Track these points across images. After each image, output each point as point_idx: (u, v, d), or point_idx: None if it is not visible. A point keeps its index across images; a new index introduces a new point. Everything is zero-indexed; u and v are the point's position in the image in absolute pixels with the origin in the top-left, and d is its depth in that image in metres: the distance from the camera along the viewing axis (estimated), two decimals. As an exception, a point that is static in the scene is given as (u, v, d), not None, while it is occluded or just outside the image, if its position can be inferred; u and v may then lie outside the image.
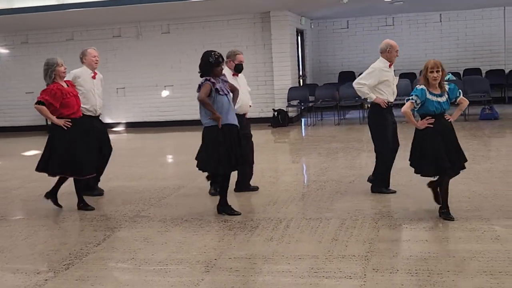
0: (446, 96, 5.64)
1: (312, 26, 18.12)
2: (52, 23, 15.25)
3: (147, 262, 4.89)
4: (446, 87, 5.65)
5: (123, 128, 16.21)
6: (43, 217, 6.66)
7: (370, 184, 7.01)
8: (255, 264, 4.68)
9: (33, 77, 15.87)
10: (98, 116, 7.56)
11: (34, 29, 16.30)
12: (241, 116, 6.79)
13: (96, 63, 7.50)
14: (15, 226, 6.40)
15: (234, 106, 6.34)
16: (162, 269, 4.70)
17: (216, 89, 6.00)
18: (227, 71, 6.86)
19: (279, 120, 14.66)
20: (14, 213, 7.07)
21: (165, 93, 16.09)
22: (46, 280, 4.58)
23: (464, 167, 5.85)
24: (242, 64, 7.12)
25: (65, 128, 6.51)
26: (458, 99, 5.80)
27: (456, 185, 7.03)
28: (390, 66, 6.89)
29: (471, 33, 17.38)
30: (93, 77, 7.49)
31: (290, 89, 15.03)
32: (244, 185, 7.27)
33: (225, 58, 6.61)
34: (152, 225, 6.04)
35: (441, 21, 17.52)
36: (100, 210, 6.87)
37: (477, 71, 16.79)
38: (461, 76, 16.46)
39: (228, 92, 6.19)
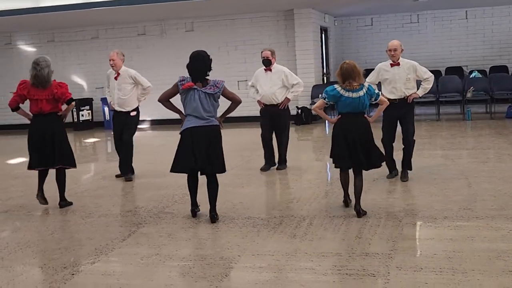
0: None
1: (336, 24, 18.05)
2: (78, 21, 15.43)
3: (172, 258, 4.94)
4: None
5: (148, 126, 16.33)
6: (70, 212, 6.76)
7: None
8: (279, 261, 4.69)
9: (59, 75, 16.04)
10: (120, 111, 8.43)
11: (60, 27, 16.50)
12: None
13: (111, 65, 8.35)
14: (41, 221, 6.51)
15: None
16: (186, 265, 4.74)
17: None
18: (261, 68, 8.46)
19: (303, 118, 14.64)
20: (41, 208, 7.17)
21: (189, 90, 16.16)
22: (73, 274, 4.65)
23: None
24: (266, 59, 8.28)
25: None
26: None
27: (481, 184, 7.00)
28: (392, 65, 7.20)
29: (498, 30, 17.15)
30: (115, 78, 8.38)
31: (314, 86, 14.99)
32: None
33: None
34: (176, 221, 6.09)
35: (467, 18, 17.32)
36: (125, 206, 6.95)
37: (503, 68, 16.57)
38: (487, 73, 16.26)
39: None
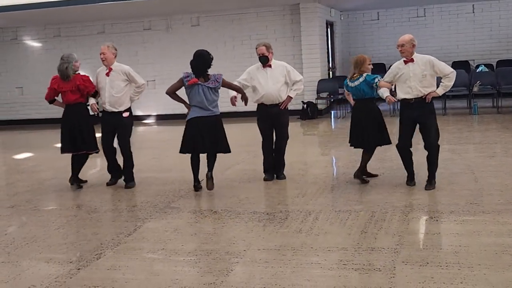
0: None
1: (342, 18, 17.99)
2: (84, 16, 15.44)
3: (177, 252, 4.95)
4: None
5: (153, 120, 16.35)
6: (75, 207, 6.78)
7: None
8: (284, 256, 4.69)
9: (65, 70, 16.08)
10: (111, 111, 7.58)
11: (66, 22, 16.52)
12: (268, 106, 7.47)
13: (102, 59, 7.57)
14: (48, 216, 6.52)
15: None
16: (192, 260, 4.75)
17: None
18: (256, 64, 7.59)
19: (309, 113, 14.61)
20: (47, 203, 7.21)
21: (194, 85, 16.16)
22: (79, 269, 4.67)
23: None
24: (265, 56, 7.37)
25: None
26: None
27: (488, 178, 6.98)
28: (406, 62, 6.59)
29: (505, 24, 17.05)
30: (107, 74, 7.59)
31: (320, 81, 14.97)
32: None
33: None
34: (182, 216, 6.10)
35: (473, 12, 17.23)
36: (131, 201, 6.96)
37: (510, 62, 16.46)
38: (494, 67, 16.18)
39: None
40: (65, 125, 7.62)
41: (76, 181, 7.73)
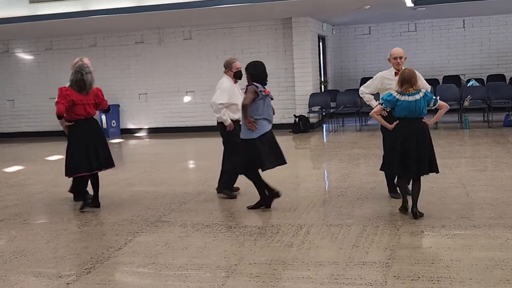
0: None
1: (334, 32, 18.09)
2: (76, 29, 15.44)
3: (168, 266, 4.91)
4: None
5: (145, 134, 16.32)
6: (65, 221, 6.73)
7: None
8: (275, 270, 4.67)
9: (57, 83, 16.02)
10: None
11: (58, 35, 16.52)
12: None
13: None
14: (37, 230, 6.47)
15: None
16: (183, 274, 4.71)
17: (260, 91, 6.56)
18: (228, 81, 7.30)
19: (300, 126, 14.63)
20: (37, 217, 7.15)
21: (186, 98, 16.19)
22: (68, 283, 4.62)
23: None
24: (240, 71, 7.31)
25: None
26: None
27: (479, 192, 6.99)
28: (396, 74, 6.57)
29: (495, 39, 17.21)
30: None
31: (312, 95, 15.01)
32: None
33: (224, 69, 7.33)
34: (172, 230, 6.06)
35: (464, 27, 17.38)
36: (122, 215, 6.92)
37: (501, 77, 16.61)
38: (485, 82, 16.29)
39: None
40: (81, 142, 6.98)
41: (96, 203, 7.21)
